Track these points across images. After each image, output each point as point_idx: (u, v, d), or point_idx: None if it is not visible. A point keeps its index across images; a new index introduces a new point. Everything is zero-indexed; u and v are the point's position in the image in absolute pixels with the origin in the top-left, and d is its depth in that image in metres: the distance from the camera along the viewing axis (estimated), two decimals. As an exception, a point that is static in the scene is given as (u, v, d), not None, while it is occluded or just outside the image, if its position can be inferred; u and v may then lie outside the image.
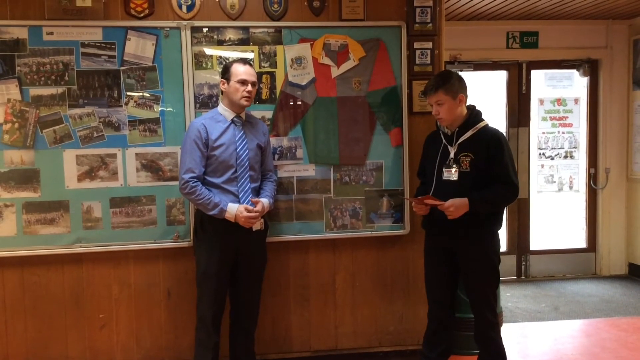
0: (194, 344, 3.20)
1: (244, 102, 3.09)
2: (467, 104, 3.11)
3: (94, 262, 3.46)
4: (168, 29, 3.41)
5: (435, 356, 3.22)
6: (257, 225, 3.12)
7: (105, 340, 3.51)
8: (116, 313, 3.51)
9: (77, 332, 3.48)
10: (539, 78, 5.94)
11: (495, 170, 2.99)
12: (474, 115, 3.09)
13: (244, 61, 3.17)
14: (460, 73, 3.14)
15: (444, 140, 3.11)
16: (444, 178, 3.06)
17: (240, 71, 3.07)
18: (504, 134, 5.75)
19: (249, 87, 3.08)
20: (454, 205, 2.94)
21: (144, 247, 3.45)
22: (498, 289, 3.27)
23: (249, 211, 3.02)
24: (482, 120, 3.09)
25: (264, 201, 3.12)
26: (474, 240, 3.04)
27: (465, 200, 2.95)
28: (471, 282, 3.11)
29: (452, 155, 3.05)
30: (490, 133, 3.05)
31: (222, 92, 3.15)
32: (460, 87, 3.04)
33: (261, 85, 3.47)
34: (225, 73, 3.09)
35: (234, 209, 3.02)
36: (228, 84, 3.08)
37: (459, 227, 2.99)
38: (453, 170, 3.03)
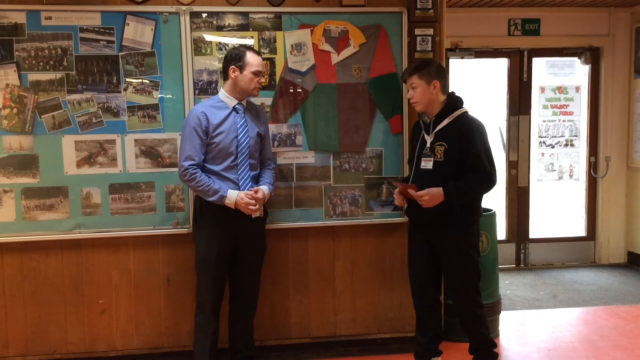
0: (194, 330, 3.21)
1: (255, 92, 3.12)
2: (450, 91, 3.13)
3: (94, 248, 3.46)
4: (167, 14, 3.38)
5: (426, 341, 3.25)
6: (257, 213, 3.12)
7: (104, 326, 3.51)
8: (116, 299, 3.51)
9: (77, 318, 3.49)
10: (540, 66, 5.91)
11: (469, 158, 2.98)
12: (451, 103, 3.08)
13: (257, 51, 3.18)
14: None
15: (422, 129, 3.12)
16: (421, 167, 3.08)
17: (256, 62, 3.07)
18: (505, 122, 5.78)
19: (262, 79, 3.12)
20: (429, 194, 2.95)
21: (143, 234, 3.45)
22: (485, 280, 3.26)
23: (249, 197, 3.02)
24: (461, 108, 3.08)
25: (264, 188, 3.11)
26: (449, 231, 3.04)
27: (440, 189, 2.96)
28: (450, 272, 3.14)
29: (428, 144, 3.07)
30: (464, 121, 3.04)
31: (226, 77, 3.12)
32: (436, 74, 3.06)
33: (263, 77, 3.44)
34: (238, 61, 3.05)
35: (234, 195, 3.01)
36: (241, 72, 3.05)
37: (435, 218, 3.00)
38: (429, 159, 3.04)
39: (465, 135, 2.98)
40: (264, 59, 3.42)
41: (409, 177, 3.24)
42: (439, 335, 3.32)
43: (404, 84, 3.56)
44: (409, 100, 3.16)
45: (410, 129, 3.55)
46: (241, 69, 3.05)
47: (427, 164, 3.05)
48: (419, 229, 3.16)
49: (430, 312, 3.23)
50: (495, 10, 5.53)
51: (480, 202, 3.15)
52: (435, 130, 3.05)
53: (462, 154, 2.99)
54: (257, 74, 3.07)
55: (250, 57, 3.06)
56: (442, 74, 3.09)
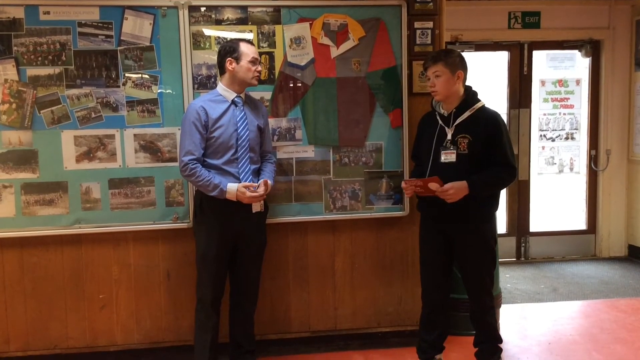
0: (194, 325, 3.21)
1: (254, 81, 3.12)
2: (467, 85, 3.09)
3: (93, 243, 3.46)
4: (165, 8, 3.37)
5: (433, 338, 3.23)
6: (257, 207, 3.11)
7: (105, 321, 3.52)
8: (116, 294, 3.51)
9: (77, 313, 3.49)
10: (540, 59, 5.90)
11: (494, 152, 2.96)
12: (470, 95, 3.06)
13: (250, 41, 3.18)
14: (461, 54, 3.11)
15: (440, 122, 3.07)
16: (441, 160, 3.02)
17: (251, 51, 3.08)
18: (505, 115, 5.77)
19: (259, 67, 3.11)
20: (454, 188, 2.91)
21: (143, 229, 3.45)
22: (495, 271, 3.28)
23: (250, 189, 3.01)
24: (479, 100, 3.06)
25: (268, 179, 3.11)
26: (472, 224, 3.02)
27: (464, 183, 2.92)
28: (469, 266, 3.10)
29: (449, 136, 3.03)
30: (488, 114, 3.03)
31: (223, 72, 3.11)
32: (460, 64, 3.02)
33: (260, 66, 3.43)
34: (234, 52, 3.05)
35: (233, 189, 3.00)
36: (238, 63, 3.05)
37: (457, 210, 2.97)
38: (451, 152, 3.00)
39: (492, 129, 2.96)
40: (263, 53, 3.43)
41: (417, 170, 3.22)
42: (446, 332, 3.31)
43: (404, 78, 3.56)
44: (429, 88, 3.07)
45: (409, 123, 3.55)
46: (237, 59, 3.05)
47: (448, 157, 3.00)
48: (438, 223, 3.10)
49: (441, 309, 3.21)
50: (495, 3, 5.52)
51: (499, 195, 3.14)
52: (456, 123, 3.02)
53: (486, 147, 2.96)
54: (253, 62, 3.07)
55: (244, 47, 3.06)
56: (466, 65, 3.05)
